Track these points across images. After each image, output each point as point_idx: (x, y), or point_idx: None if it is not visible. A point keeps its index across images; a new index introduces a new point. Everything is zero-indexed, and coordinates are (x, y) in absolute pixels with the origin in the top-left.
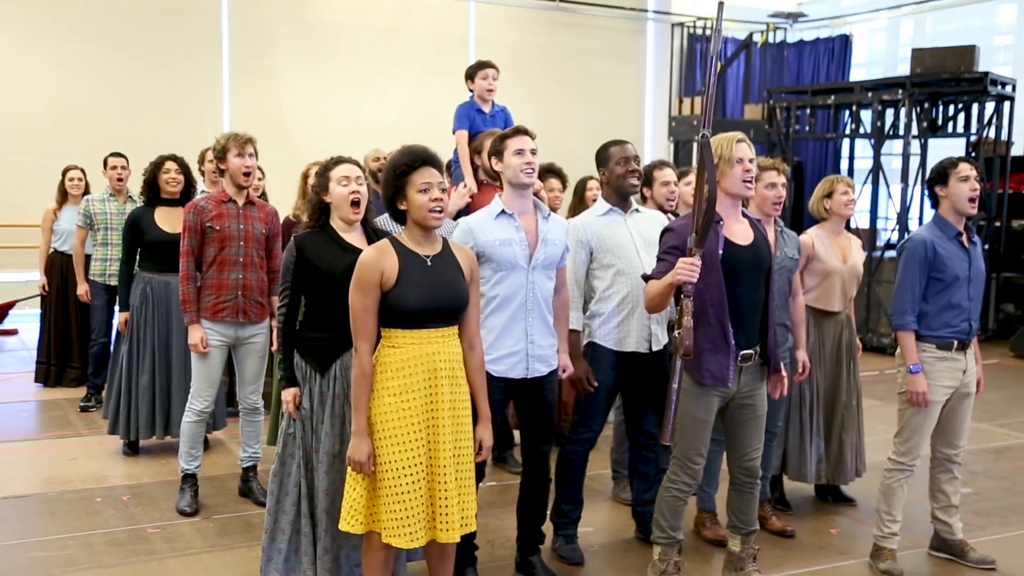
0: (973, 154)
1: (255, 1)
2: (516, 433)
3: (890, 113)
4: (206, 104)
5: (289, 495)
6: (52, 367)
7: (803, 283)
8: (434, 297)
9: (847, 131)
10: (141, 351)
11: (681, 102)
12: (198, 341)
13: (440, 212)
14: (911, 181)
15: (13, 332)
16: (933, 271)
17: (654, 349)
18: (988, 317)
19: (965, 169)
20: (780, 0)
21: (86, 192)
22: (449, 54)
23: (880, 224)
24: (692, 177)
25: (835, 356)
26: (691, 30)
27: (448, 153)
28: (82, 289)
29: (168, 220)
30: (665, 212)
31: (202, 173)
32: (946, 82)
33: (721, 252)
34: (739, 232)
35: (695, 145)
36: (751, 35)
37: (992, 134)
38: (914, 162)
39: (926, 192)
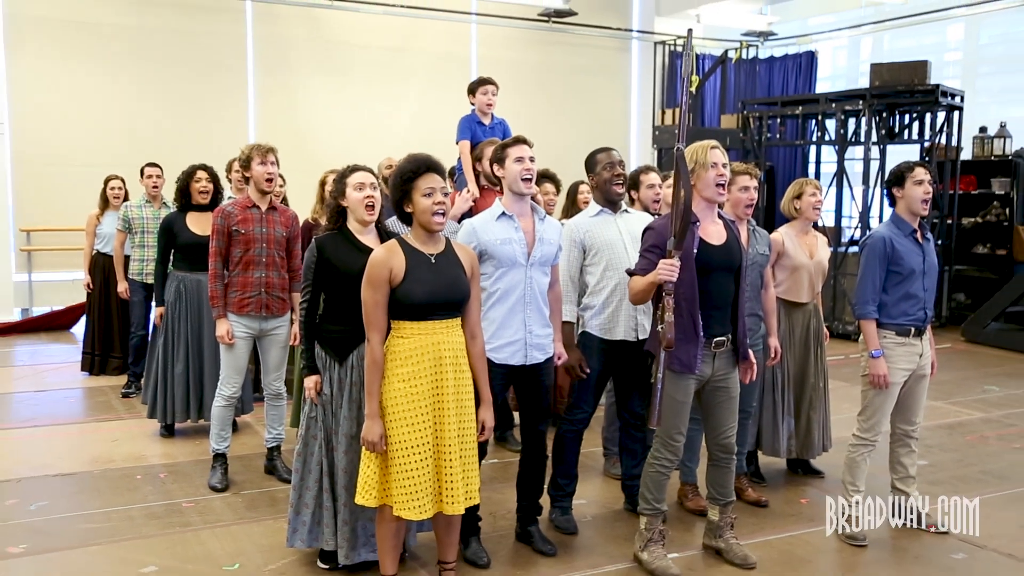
0: (927, 159)
1: (276, 25)
2: (516, 415)
3: (852, 122)
4: (233, 118)
5: (312, 472)
6: (96, 357)
7: (774, 277)
8: (438, 292)
9: (814, 138)
10: (175, 342)
11: (663, 113)
12: (224, 333)
13: (443, 214)
14: (871, 183)
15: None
16: (891, 265)
17: (640, 338)
18: (941, 306)
19: (920, 173)
20: (752, 20)
21: (125, 199)
22: (452, 71)
23: (844, 222)
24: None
25: (804, 342)
26: (672, 48)
27: (452, 161)
28: (122, 287)
29: (199, 224)
30: (651, 213)
31: (229, 180)
32: (902, 94)
33: (696, 251)
34: (713, 232)
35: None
36: (726, 52)
37: (943, 140)
38: (874, 166)
39: (885, 193)
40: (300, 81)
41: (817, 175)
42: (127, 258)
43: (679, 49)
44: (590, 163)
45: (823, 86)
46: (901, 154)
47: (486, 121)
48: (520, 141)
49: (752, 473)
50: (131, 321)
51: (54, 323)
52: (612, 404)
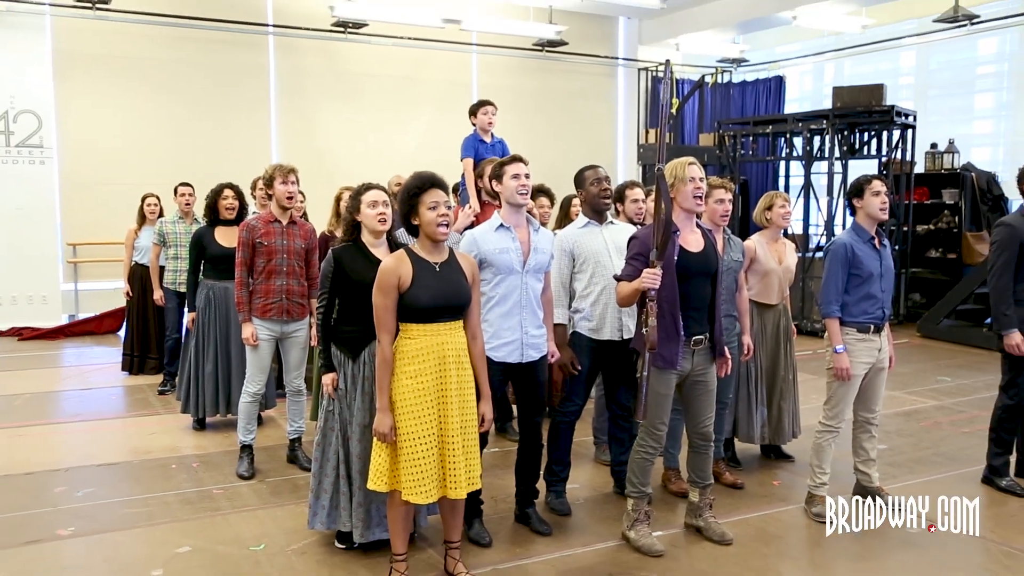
0: (884, 172)
1: (296, 56)
2: (514, 408)
3: (817, 139)
4: (257, 140)
5: (330, 461)
6: (135, 358)
7: (747, 281)
8: (442, 297)
9: (783, 154)
10: (206, 344)
11: (647, 132)
12: (250, 336)
13: (446, 226)
14: (835, 195)
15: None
16: (852, 268)
17: (625, 337)
18: (899, 305)
19: (877, 185)
20: (726, 48)
21: (160, 215)
22: (456, 97)
23: (811, 230)
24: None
25: (775, 340)
26: (653, 73)
27: (456, 177)
28: (157, 295)
29: (226, 237)
30: (635, 223)
31: (254, 197)
32: (861, 114)
33: (676, 258)
34: (692, 241)
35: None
36: (703, 77)
37: (898, 156)
38: (837, 179)
39: (846, 203)
40: (317, 107)
41: (786, 188)
42: (162, 268)
43: (660, 75)
44: (579, 179)
45: (791, 107)
46: (861, 168)
47: (487, 139)
48: (517, 159)
49: (729, 458)
50: (166, 325)
51: (99, 327)
52: (602, 397)
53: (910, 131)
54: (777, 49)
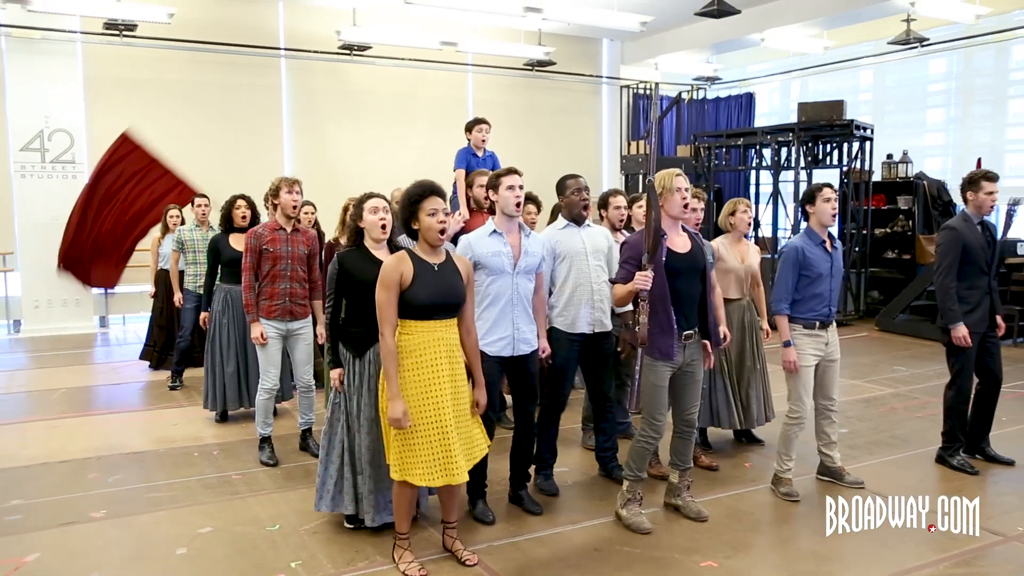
0: (845, 181)
1: (306, 77)
2: (508, 398)
3: (784, 151)
4: (271, 155)
5: (335, 449)
6: (156, 352)
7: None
8: (439, 295)
9: (753, 164)
10: (226, 345)
11: (629, 144)
12: (258, 335)
13: (444, 231)
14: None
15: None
16: (803, 269)
17: (598, 331)
18: (859, 301)
19: (828, 192)
20: (701, 67)
21: (182, 224)
22: (452, 112)
23: (780, 233)
24: (644, 202)
25: (740, 332)
26: (634, 90)
27: (451, 186)
28: (177, 297)
29: (240, 243)
30: (617, 229)
31: (266, 207)
32: (824, 128)
33: (664, 259)
34: (679, 243)
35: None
36: (680, 94)
37: (858, 165)
38: (803, 187)
39: (799, 209)
40: (326, 123)
41: (756, 195)
42: (181, 273)
43: (640, 91)
44: (561, 186)
45: (760, 121)
46: (824, 177)
47: (479, 153)
48: (512, 172)
49: (701, 443)
50: (181, 325)
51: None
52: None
53: (868, 143)
54: (747, 68)
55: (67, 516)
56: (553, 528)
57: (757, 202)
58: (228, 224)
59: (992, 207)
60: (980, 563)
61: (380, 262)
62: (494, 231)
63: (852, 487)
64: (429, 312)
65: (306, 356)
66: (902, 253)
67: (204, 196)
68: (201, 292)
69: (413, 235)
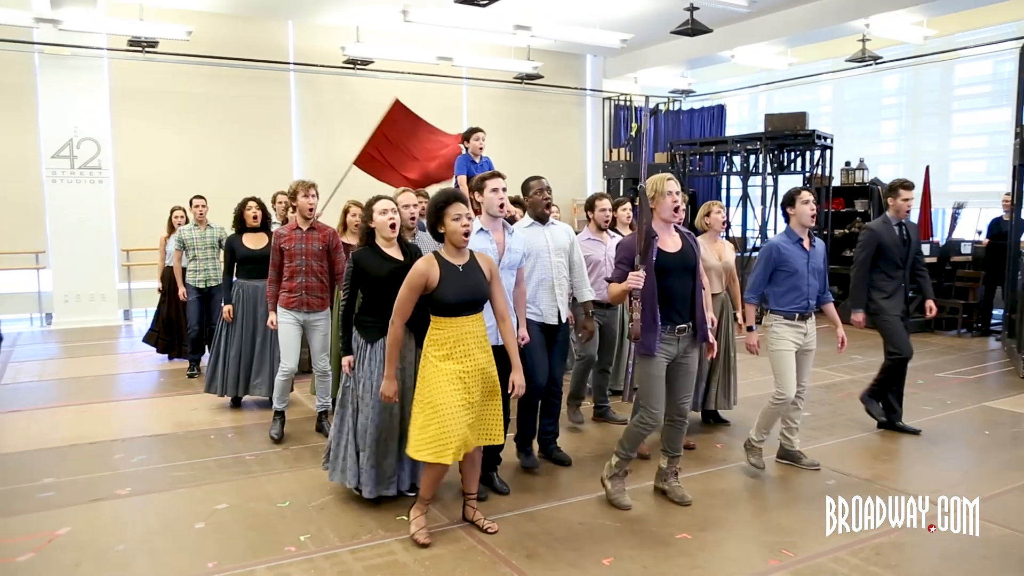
0: (808, 185)
1: (314, 89)
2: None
3: (752, 158)
4: (281, 161)
5: (347, 427)
6: (164, 340)
7: None
8: (465, 294)
9: (724, 170)
10: (232, 334)
11: (611, 152)
12: (271, 321)
13: (467, 234)
14: (767, 204)
15: None
16: (780, 265)
17: (553, 323)
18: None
19: (806, 195)
20: (677, 81)
21: (187, 223)
22: (448, 122)
23: (749, 233)
24: (628, 205)
25: (717, 323)
26: (615, 102)
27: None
28: (182, 291)
29: (252, 241)
30: (602, 229)
31: (274, 209)
32: (788, 137)
33: (655, 259)
34: (670, 243)
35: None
36: (657, 105)
37: (819, 172)
38: (769, 191)
39: (780, 211)
40: (332, 132)
41: (727, 199)
42: (184, 270)
43: (621, 103)
44: (525, 187)
45: (731, 131)
46: (789, 182)
47: (477, 160)
48: (496, 175)
49: None
50: (187, 318)
51: None
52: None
53: (828, 151)
54: (719, 82)
55: (95, 493)
56: (542, 504)
57: (728, 205)
58: (240, 224)
59: (908, 211)
60: (928, 532)
61: (390, 258)
62: (481, 229)
63: (808, 468)
64: (456, 310)
65: (322, 345)
66: None
67: (200, 197)
68: (201, 287)
69: (439, 238)
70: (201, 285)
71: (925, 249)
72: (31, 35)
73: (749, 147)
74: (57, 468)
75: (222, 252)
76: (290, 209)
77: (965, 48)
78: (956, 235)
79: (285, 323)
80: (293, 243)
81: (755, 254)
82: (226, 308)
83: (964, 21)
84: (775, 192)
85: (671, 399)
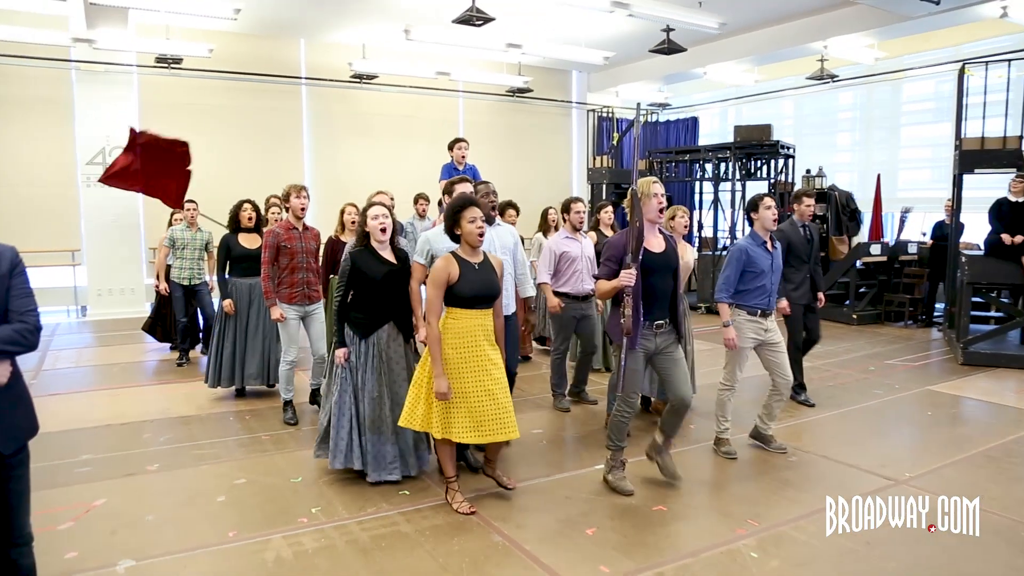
0: (772, 191)
1: (323, 102)
2: None
3: (723, 166)
4: (293, 167)
5: (345, 416)
6: (159, 327)
7: None
8: (480, 289)
9: (697, 177)
10: (227, 330)
11: (594, 159)
12: (279, 316)
13: (482, 235)
14: (736, 208)
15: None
16: (747, 266)
17: (508, 313)
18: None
19: (769, 201)
20: (654, 95)
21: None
22: (446, 131)
23: (719, 234)
24: (610, 208)
25: None
26: (598, 113)
27: (437, 193)
28: (162, 286)
29: (247, 240)
30: (577, 229)
31: (267, 210)
32: (755, 147)
33: (641, 258)
34: (655, 243)
35: (603, 189)
36: (636, 116)
37: (783, 178)
38: (738, 196)
39: (745, 215)
40: (339, 140)
41: (700, 203)
42: (169, 267)
43: (603, 114)
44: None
45: (703, 140)
46: (756, 188)
47: (460, 167)
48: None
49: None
50: (175, 311)
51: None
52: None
53: (791, 160)
54: (692, 96)
55: (127, 469)
56: (530, 480)
57: (701, 208)
58: (236, 224)
59: (811, 215)
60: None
61: (385, 261)
62: None
63: (776, 452)
64: (472, 303)
65: (319, 332)
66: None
67: (192, 201)
68: (185, 284)
69: (456, 239)
70: (185, 282)
71: (876, 249)
72: (69, 53)
73: (720, 155)
74: (93, 446)
75: (207, 254)
76: (276, 209)
77: (911, 69)
78: (904, 236)
79: (288, 318)
80: (293, 242)
81: (724, 253)
82: (227, 302)
83: (910, 45)
84: (743, 196)
85: (669, 389)
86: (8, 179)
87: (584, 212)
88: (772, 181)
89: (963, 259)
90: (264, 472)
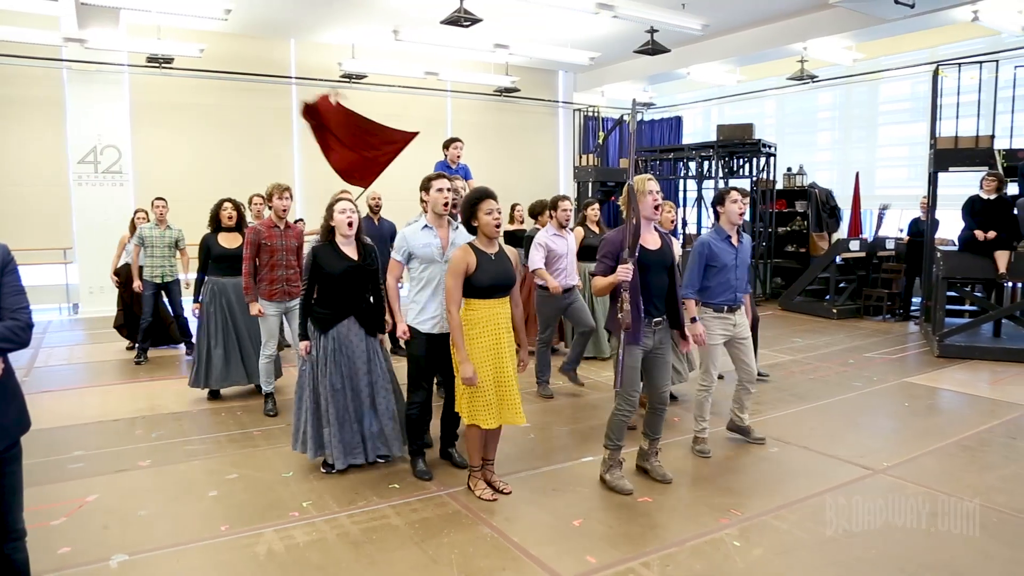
0: (754, 188)
1: None
2: None
3: (706, 164)
4: (283, 165)
5: (305, 406)
6: (123, 328)
7: None
8: (497, 279)
9: (681, 175)
10: (214, 331)
11: (580, 157)
12: (258, 311)
13: (498, 226)
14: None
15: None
16: (711, 261)
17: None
18: (766, 285)
19: (735, 195)
20: (639, 95)
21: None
22: (435, 131)
23: (703, 231)
24: (597, 205)
25: None
26: (584, 113)
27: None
28: (137, 284)
29: (227, 240)
30: (563, 226)
31: (249, 210)
32: (737, 145)
33: (637, 255)
34: (650, 240)
35: (588, 187)
36: (622, 116)
37: (765, 176)
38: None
39: (711, 209)
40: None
41: (684, 200)
42: (141, 267)
43: (589, 113)
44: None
45: (687, 139)
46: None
47: (453, 166)
48: (441, 176)
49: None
50: (143, 308)
51: None
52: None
53: (772, 158)
54: (677, 96)
55: (119, 465)
56: (518, 473)
57: (685, 206)
58: (216, 224)
59: (741, 214)
60: (855, 490)
61: (347, 257)
62: (426, 226)
63: (754, 442)
64: (488, 292)
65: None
66: (799, 247)
67: (161, 198)
68: (158, 282)
69: (473, 231)
70: (157, 280)
71: (855, 245)
72: (60, 53)
73: (703, 154)
74: (85, 442)
75: (179, 252)
76: (258, 203)
77: (888, 70)
78: (882, 233)
79: (269, 313)
80: (274, 240)
81: None
82: (195, 305)
83: (887, 47)
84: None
85: (651, 388)
86: (0, 178)
87: (571, 210)
88: (754, 179)
89: (938, 255)
90: (255, 467)
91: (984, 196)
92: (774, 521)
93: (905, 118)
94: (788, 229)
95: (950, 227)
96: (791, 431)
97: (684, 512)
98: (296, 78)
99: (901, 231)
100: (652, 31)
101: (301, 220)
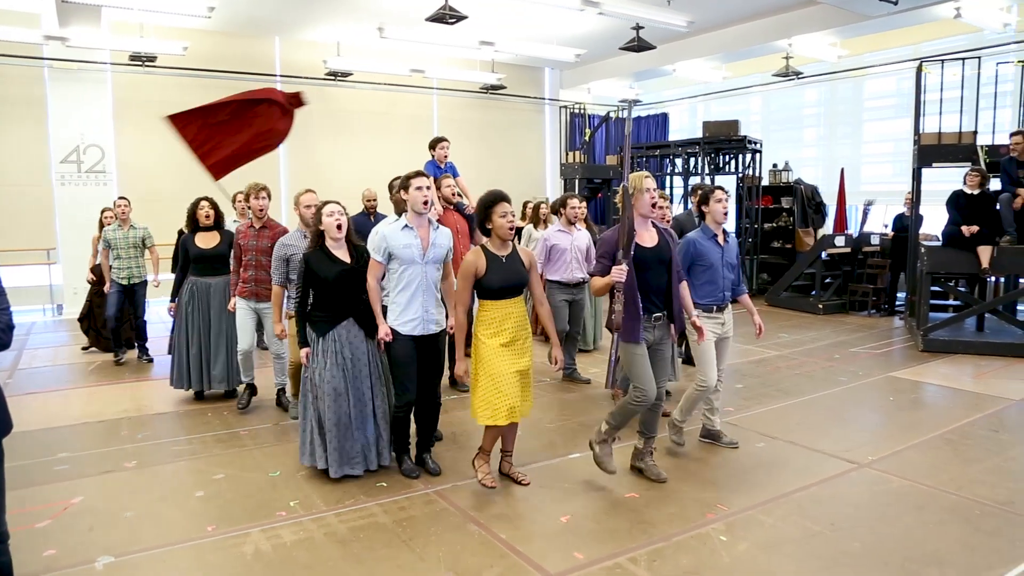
0: (740, 185)
1: None
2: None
3: (692, 160)
4: (269, 164)
5: (309, 413)
6: (93, 331)
7: None
8: (507, 280)
9: (668, 171)
10: (191, 331)
11: (567, 155)
12: (230, 306)
13: (512, 228)
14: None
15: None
16: (697, 260)
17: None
18: (752, 281)
19: (719, 195)
20: (625, 91)
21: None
22: (421, 127)
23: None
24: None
25: None
26: (571, 110)
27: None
28: (107, 286)
29: (204, 240)
30: (572, 223)
31: (234, 208)
32: (723, 142)
33: (633, 253)
34: (647, 237)
35: (575, 184)
36: (608, 113)
37: (750, 173)
38: None
39: (696, 209)
40: (315, 137)
41: (671, 197)
42: (111, 266)
43: (575, 111)
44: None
45: (673, 136)
46: (724, 181)
47: (442, 166)
48: (420, 175)
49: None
50: (107, 309)
51: None
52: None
53: (758, 155)
54: (663, 93)
55: (105, 466)
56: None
57: (672, 202)
58: (194, 224)
59: (725, 214)
60: (839, 484)
61: (339, 261)
62: (406, 226)
63: (727, 447)
64: (499, 294)
65: (272, 330)
66: (785, 243)
67: (123, 198)
68: (124, 283)
69: (487, 233)
70: (124, 282)
71: (840, 241)
72: (41, 51)
73: (689, 151)
74: (70, 444)
75: (146, 251)
76: (238, 204)
77: (872, 66)
78: (867, 228)
79: (240, 309)
80: (247, 240)
81: None
82: (171, 305)
83: (871, 43)
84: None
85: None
86: None
87: (579, 208)
88: (740, 176)
89: (923, 250)
90: (242, 467)
91: (968, 191)
92: (760, 516)
93: (889, 114)
94: (774, 225)
95: (934, 222)
96: (777, 426)
97: (671, 508)
98: (281, 76)
99: (886, 227)
100: (638, 28)
101: (236, 221)
